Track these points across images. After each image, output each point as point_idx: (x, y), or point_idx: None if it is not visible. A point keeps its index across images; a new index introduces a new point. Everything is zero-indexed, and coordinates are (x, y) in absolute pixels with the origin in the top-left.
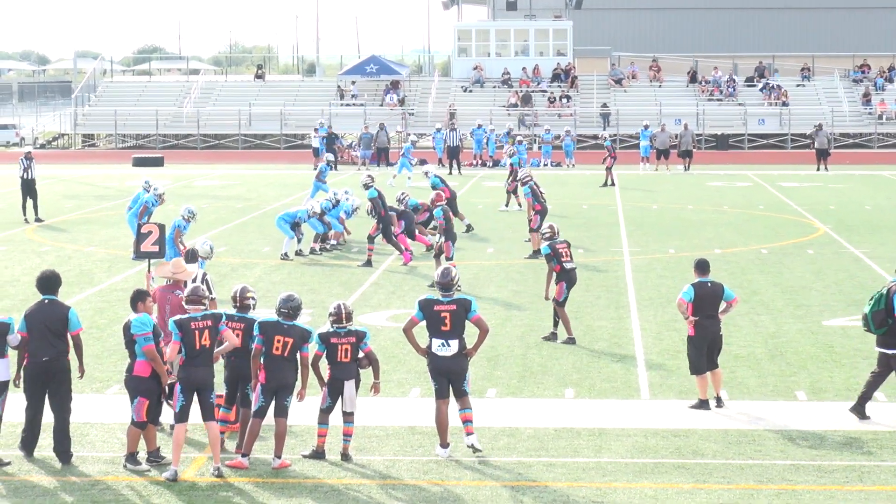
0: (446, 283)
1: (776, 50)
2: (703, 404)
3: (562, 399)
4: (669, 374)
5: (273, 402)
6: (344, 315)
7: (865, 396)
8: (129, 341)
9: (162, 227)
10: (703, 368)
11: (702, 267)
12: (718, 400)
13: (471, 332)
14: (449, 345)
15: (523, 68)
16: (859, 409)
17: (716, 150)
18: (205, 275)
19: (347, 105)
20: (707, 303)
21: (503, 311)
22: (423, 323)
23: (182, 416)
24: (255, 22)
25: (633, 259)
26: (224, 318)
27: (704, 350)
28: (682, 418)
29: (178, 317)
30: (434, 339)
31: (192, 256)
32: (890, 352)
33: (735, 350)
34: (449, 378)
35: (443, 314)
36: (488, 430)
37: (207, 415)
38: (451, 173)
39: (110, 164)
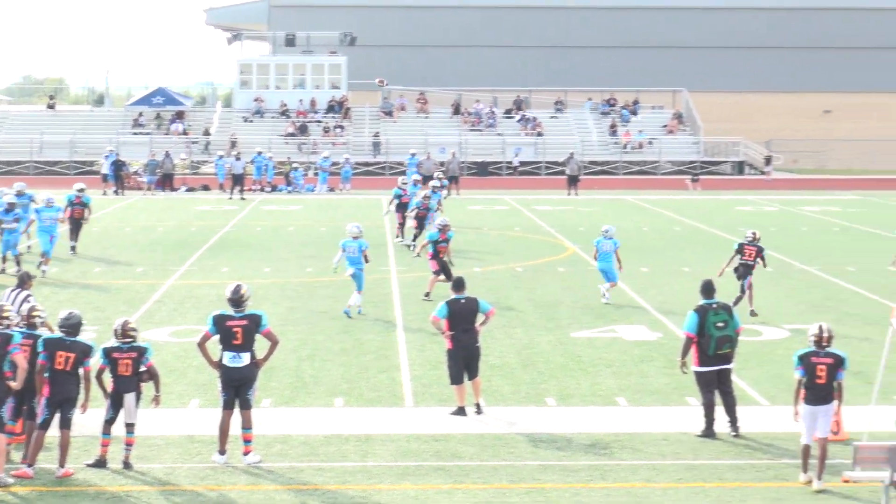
0: (237, 300)
1: (532, 84)
2: (460, 411)
3: (331, 408)
4: (431, 383)
5: (58, 415)
6: (126, 331)
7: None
8: None
9: None
10: (460, 378)
11: (457, 285)
12: (478, 407)
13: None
14: (240, 357)
15: (300, 100)
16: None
17: (476, 176)
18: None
19: (135, 133)
20: (462, 318)
21: (279, 325)
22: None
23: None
24: (47, 54)
25: (400, 277)
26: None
27: (462, 361)
28: (442, 424)
29: None
30: (226, 352)
31: (22, 281)
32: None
33: (491, 360)
34: (237, 387)
35: (234, 329)
36: (263, 437)
37: None
38: (231, 198)
39: None
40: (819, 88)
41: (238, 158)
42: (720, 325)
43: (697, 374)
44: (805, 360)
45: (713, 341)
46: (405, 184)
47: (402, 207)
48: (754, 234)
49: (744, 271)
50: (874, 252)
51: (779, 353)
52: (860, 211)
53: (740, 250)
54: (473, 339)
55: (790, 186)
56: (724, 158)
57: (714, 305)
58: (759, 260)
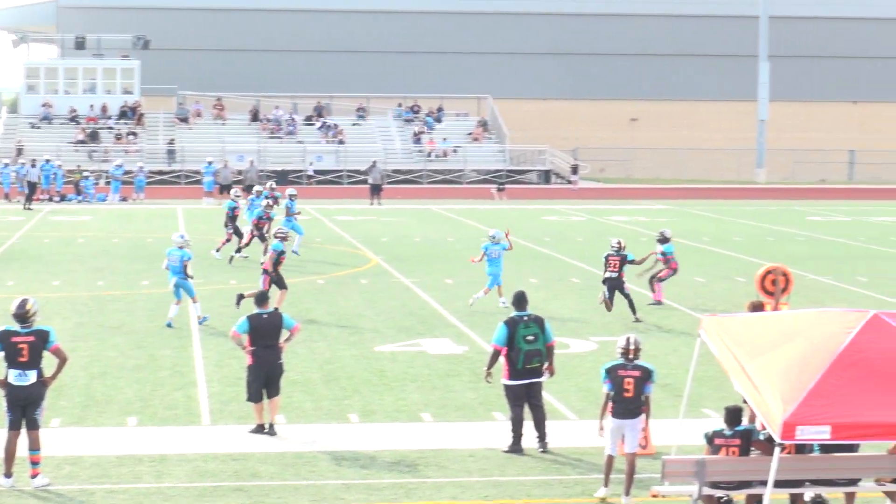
0: (23, 315)
1: (333, 90)
2: (260, 429)
3: (124, 427)
4: (230, 400)
5: None
6: None
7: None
8: None
9: None
10: (260, 396)
11: (260, 300)
12: (271, 427)
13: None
14: (27, 375)
15: (91, 106)
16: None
17: (276, 185)
18: None
19: None
20: (264, 333)
21: (68, 341)
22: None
23: None
24: None
25: (196, 289)
26: None
27: (262, 378)
28: (241, 443)
29: None
30: (11, 370)
31: None
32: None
33: (292, 376)
34: (24, 407)
35: (20, 345)
36: (52, 458)
37: None
38: (30, 209)
39: None
40: (625, 96)
41: (34, 166)
42: (530, 338)
43: (506, 387)
44: (612, 373)
45: (522, 355)
46: (238, 196)
47: (233, 220)
48: (619, 242)
49: (611, 284)
50: (681, 262)
51: (586, 366)
52: (668, 220)
53: (606, 261)
54: (276, 356)
55: (597, 196)
56: (530, 167)
57: (525, 318)
58: (622, 269)
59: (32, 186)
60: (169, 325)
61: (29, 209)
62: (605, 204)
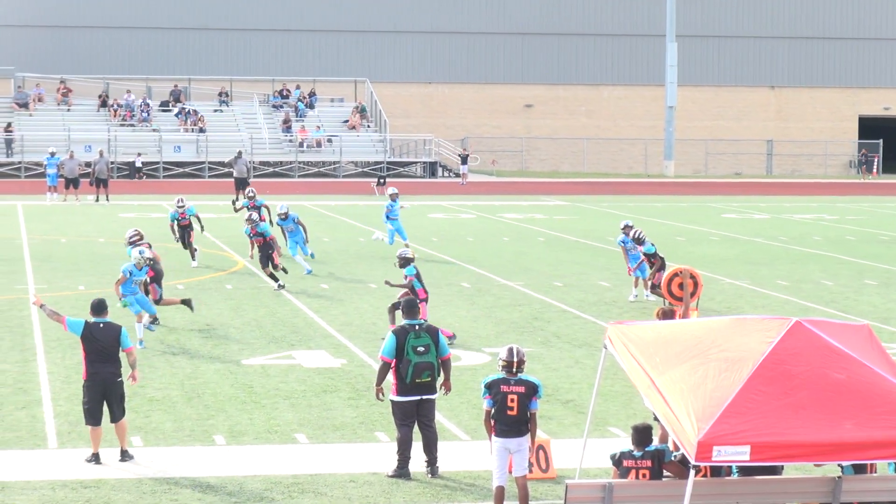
0: None
1: (192, 72)
2: (96, 458)
3: None
4: (79, 420)
5: None
6: None
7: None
8: None
9: None
10: (95, 419)
11: (97, 308)
12: (124, 454)
13: None
14: None
15: None
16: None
17: (129, 178)
18: None
19: None
20: (101, 345)
21: None
22: None
23: None
24: None
25: (41, 296)
26: None
27: (101, 398)
28: (93, 468)
29: None
30: None
31: None
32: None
33: (149, 393)
34: None
35: None
36: None
37: None
38: None
39: None
40: (519, 80)
41: None
42: (421, 349)
43: (394, 404)
44: (494, 389)
45: (412, 367)
46: (182, 206)
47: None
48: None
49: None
50: (584, 265)
51: (479, 381)
52: (568, 218)
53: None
54: (115, 372)
55: (489, 190)
56: (413, 158)
57: (416, 327)
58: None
59: None
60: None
61: None
62: (498, 200)
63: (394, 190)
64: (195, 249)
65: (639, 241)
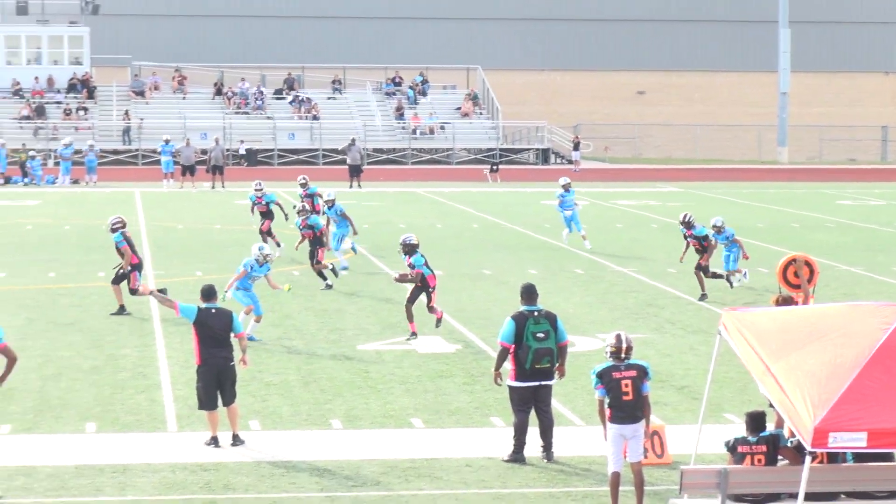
0: None
1: (306, 61)
2: (214, 441)
3: (83, 434)
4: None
5: None
6: None
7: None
8: None
9: None
10: (211, 404)
11: (207, 293)
12: (235, 439)
13: None
14: None
15: (36, 78)
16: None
17: (244, 166)
18: None
19: None
20: (214, 330)
21: (17, 339)
22: None
23: None
24: None
25: (159, 282)
26: None
27: (215, 383)
28: (212, 451)
29: None
30: None
31: None
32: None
33: (267, 378)
34: None
35: None
36: (3, 469)
37: None
38: None
39: None
40: (632, 67)
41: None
42: (540, 335)
43: (512, 389)
44: (605, 377)
45: (531, 353)
46: (259, 189)
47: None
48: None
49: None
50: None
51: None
52: (682, 204)
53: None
54: (229, 356)
55: (602, 177)
56: (526, 146)
57: (535, 313)
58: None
59: None
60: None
61: None
62: (611, 186)
63: (566, 180)
64: (271, 236)
65: (689, 224)
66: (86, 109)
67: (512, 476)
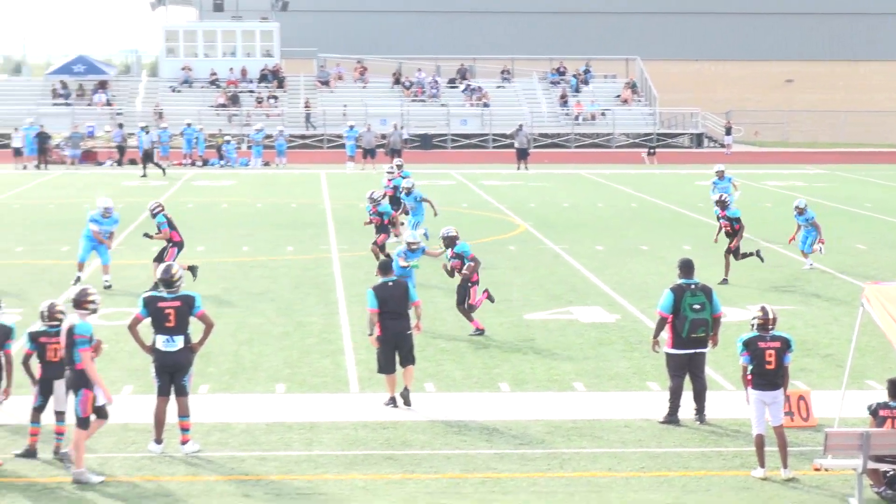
0: (169, 280)
1: (477, 52)
2: (392, 402)
3: (273, 394)
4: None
5: None
6: (53, 314)
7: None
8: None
9: None
10: (390, 368)
11: (384, 268)
12: (405, 392)
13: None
14: (174, 340)
15: (231, 69)
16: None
17: (420, 149)
18: None
19: (56, 104)
20: (391, 302)
21: (214, 307)
22: (148, 320)
23: None
24: None
25: (342, 256)
26: None
27: (391, 349)
28: (390, 410)
29: None
30: (158, 336)
31: None
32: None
33: (441, 343)
34: (172, 373)
35: (167, 311)
36: (201, 425)
37: None
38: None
39: None
40: (780, 57)
41: (147, 132)
42: (697, 307)
43: (669, 356)
44: (752, 346)
45: (688, 323)
46: (391, 172)
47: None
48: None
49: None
50: (841, 229)
51: (740, 336)
52: (826, 185)
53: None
54: (404, 325)
55: (752, 160)
56: (681, 130)
57: (692, 286)
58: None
59: (146, 154)
60: None
61: (144, 176)
62: (760, 168)
63: (720, 167)
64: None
65: (724, 205)
66: (276, 98)
67: (667, 436)
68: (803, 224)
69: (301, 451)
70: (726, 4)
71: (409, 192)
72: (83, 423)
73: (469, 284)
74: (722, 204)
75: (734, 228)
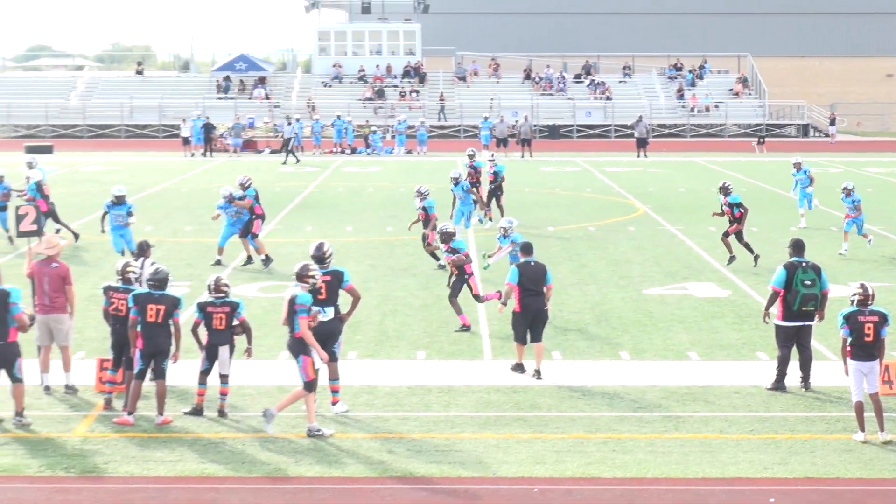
0: (320, 256)
1: (601, 50)
2: (519, 367)
3: (414, 360)
4: (508, 339)
5: (151, 365)
6: (219, 287)
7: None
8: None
9: (37, 208)
10: (522, 338)
11: (526, 249)
12: (537, 373)
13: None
14: (325, 311)
15: (377, 66)
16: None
17: (548, 139)
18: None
19: (220, 98)
20: (531, 281)
21: (361, 282)
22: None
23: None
24: (134, 22)
25: (476, 235)
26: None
27: (528, 323)
28: (520, 377)
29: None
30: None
31: (142, 249)
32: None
33: (566, 315)
34: (324, 341)
35: (319, 284)
36: (350, 388)
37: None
38: (296, 161)
39: (3, 151)
40: (881, 53)
41: (289, 123)
42: (808, 283)
43: (779, 327)
44: (852, 320)
45: (799, 297)
46: (492, 160)
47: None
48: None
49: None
50: None
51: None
52: None
53: None
54: (542, 303)
55: (854, 149)
56: (788, 121)
57: (804, 264)
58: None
59: (287, 142)
60: None
61: (297, 162)
62: (862, 157)
63: (797, 159)
64: (488, 208)
65: (726, 191)
66: (417, 92)
67: (774, 402)
68: (848, 206)
69: (439, 412)
70: (830, 5)
71: (457, 182)
72: (309, 385)
73: (465, 277)
74: (725, 191)
75: (734, 215)
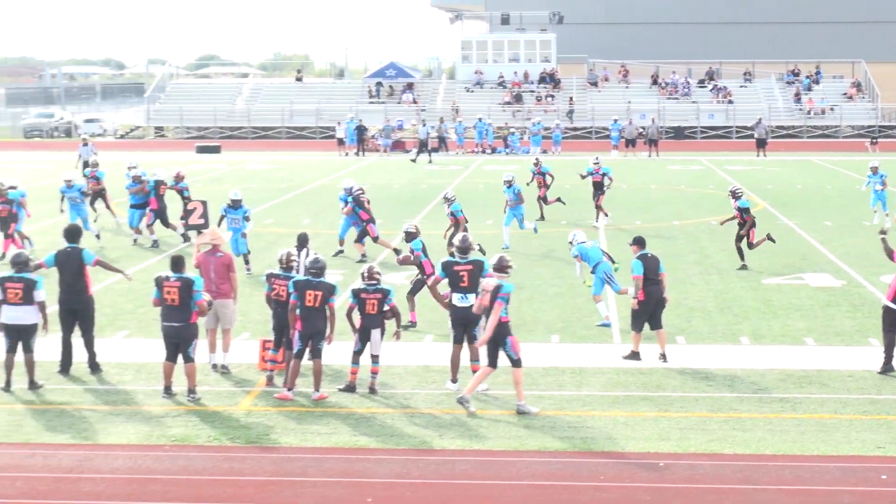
0: (464, 248)
1: (723, 57)
2: (635, 355)
3: (549, 343)
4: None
5: (309, 346)
6: (372, 275)
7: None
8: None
9: (205, 203)
10: (640, 327)
11: (640, 242)
12: (663, 356)
13: None
14: (467, 298)
15: (515, 72)
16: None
17: (674, 139)
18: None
19: (371, 102)
20: (651, 271)
21: None
22: (445, 280)
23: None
24: (294, 33)
25: (606, 229)
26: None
27: (651, 310)
28: (647, 359)
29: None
30: (455, 294)
31: (302, 241)
32: None
33: (690, 303)
34: (465, 325)
35: (461, 273)
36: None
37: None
38: (423, 161)
39: (177, 151)
40: None
41: (424, 125)
42: None
43: (886, 310)
44: None
45: None
46: (596, 163)
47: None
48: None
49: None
50: None
51: None
52: None
53: None
54: (661, 290)
55: None
56: None
57: None
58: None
59: (422, 143)
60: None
61: (428, 161)
62: None
63: (874, 163)
64: (599, 208)
65: (735, 195)
66: (552, 97)
67: (885, 384)
68: (874, 180)
69: (572, 391)
70: None
71: (509, 184)
72: (517, 363)
73: (423, 278)
74: (734, 195)
75: (743, 219)
